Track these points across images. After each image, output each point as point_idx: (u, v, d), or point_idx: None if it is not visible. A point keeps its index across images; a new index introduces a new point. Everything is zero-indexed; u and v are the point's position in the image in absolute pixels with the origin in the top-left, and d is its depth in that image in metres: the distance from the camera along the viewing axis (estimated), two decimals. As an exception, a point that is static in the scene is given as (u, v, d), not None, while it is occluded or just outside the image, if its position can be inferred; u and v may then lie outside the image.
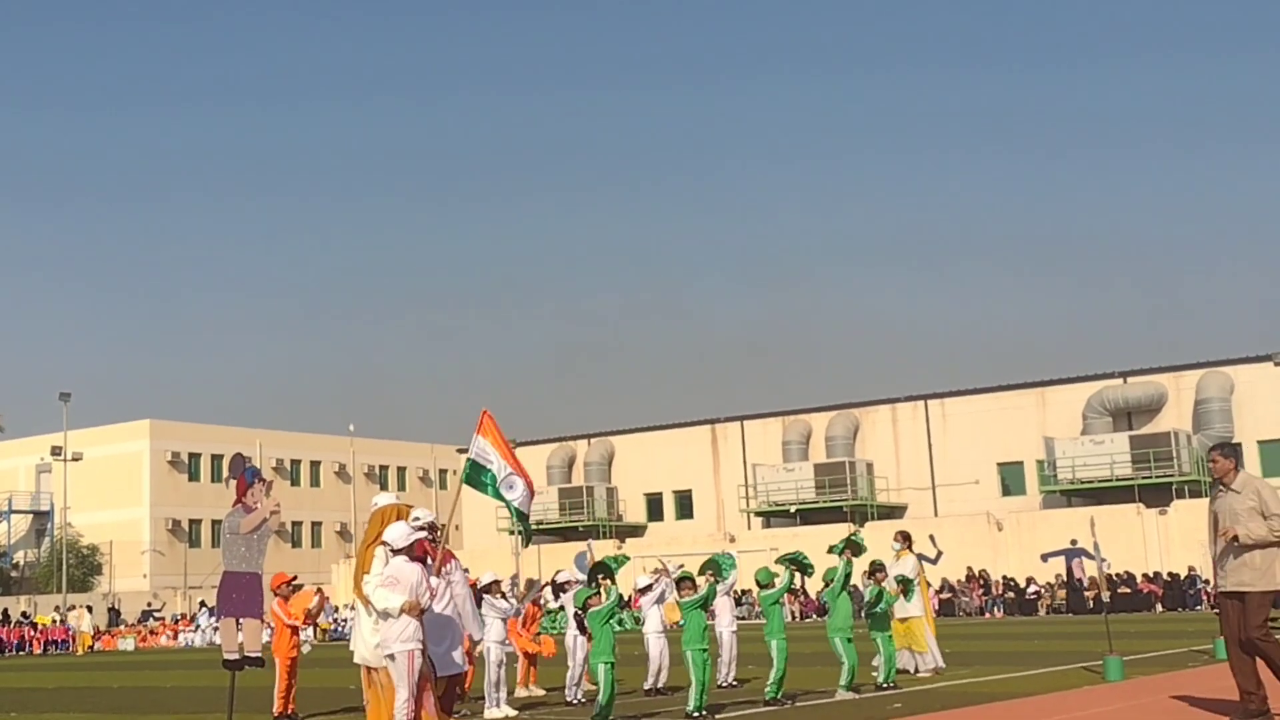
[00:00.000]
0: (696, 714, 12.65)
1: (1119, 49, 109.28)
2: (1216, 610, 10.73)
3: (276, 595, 14.93)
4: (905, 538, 17.94)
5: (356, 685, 14.46)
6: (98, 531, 66.15)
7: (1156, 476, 47.56)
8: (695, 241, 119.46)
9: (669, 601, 15.40)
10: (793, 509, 54.78)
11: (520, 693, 16.42)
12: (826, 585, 15.12)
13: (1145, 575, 42.04)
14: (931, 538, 22.13)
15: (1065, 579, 42.92)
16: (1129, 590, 40.56)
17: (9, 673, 30.25)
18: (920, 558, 18.12)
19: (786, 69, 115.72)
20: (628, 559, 13.80)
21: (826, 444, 57.08)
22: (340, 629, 45.38)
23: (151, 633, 50.89)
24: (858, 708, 13.28)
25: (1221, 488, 10.22)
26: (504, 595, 15.89)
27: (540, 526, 57.00)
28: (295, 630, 15.01)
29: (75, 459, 57.31)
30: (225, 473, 68.47)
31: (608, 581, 12.78)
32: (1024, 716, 12.01)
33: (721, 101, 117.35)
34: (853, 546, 15.26)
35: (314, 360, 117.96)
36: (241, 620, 11.82)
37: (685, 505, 61.65)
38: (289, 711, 14.47)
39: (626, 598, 13.86)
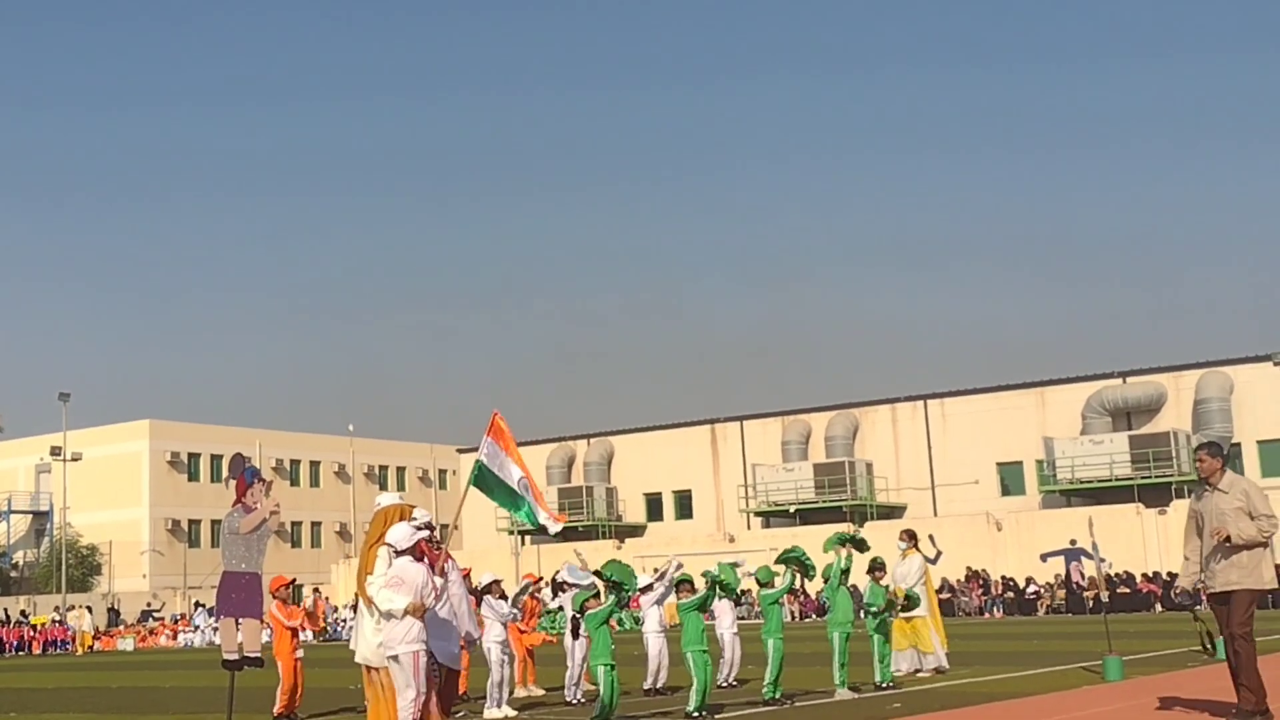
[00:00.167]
0: (697, 714, 12.65)
1: (1119, 49, 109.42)
2: (1189, 608, 10.73)
3: (276, 598, 14.91)
4: (911, 536, 17.91)
5: (356, 685, 14.47)
6: (97, 532, 66.15)
7: (1156, 476, 47.55)
8: (695, 241, 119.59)
9: (669, 602, 15.38)
10: (792, 509, 54.78)
11: (520, 693, 16.42)
12: (825, 581, 15.11)
13: (1144, 575, 42.04)
14: (931, 537, 22.13)
15: (1065, 579, 42.99)
16: (1128, 590, 40.56)
17: (8, 673, 30.24)
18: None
19: (786, 69, 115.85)
20: (635, 583, 13.51)
21: (826, 444, 57.09)
22: (339, 629, 45.39)
23: (151, 633, 50.89)
24: (857, 707, 13.28)
25: (1207, 487, 10.19)
26: (504, 596, 15.88)
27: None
28: (295, 633, 15.01)
29: (75, 459, 57.31)
30: (225, 473, 68.51)
31: (608, 589, 12.75)
32: (1023, 717, 12.01)
33: (721, 101, 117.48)
34: (853, 543, 15.26)
35: (314, 360, 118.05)
36: (241, 620, 11.82)
37: (685, 505, 61.64)
38: (290, 712, 14.46)
39: (626, 599, 13.80)
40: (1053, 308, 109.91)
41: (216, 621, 14.32)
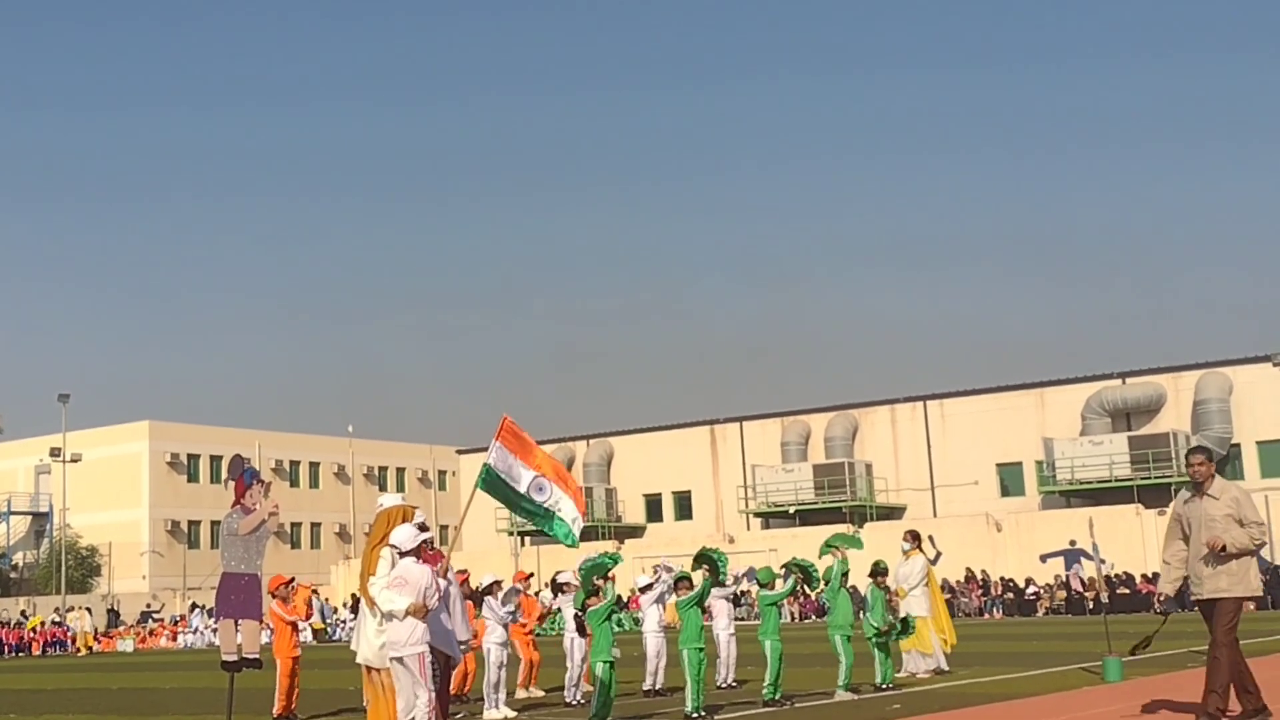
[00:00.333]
0: (695, 715, 12.65)
1: (1119, 49, 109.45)
2: (1167, 614, 10.63)
3: (275, 597, 14.91)
4: (914, 537, 17.89)
5: (356, 686, 14.46)
6: (97, 533, 66.13)
7: (1155, 477, 47.55)
8: (695, 242, 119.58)
9: (669, 602, 15.38)
10: (792, 510, 54.77)
11: (520, 694, 16.42)
12: (826, 584, 15.11)
13: (1144, 576, 42.00)
14: (930, 538, 22.13)
15: (1064, 580, 42.99)
16: (1128, 591, 40.55)
17: (8, 674, 30.22)
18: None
19: (786, 69, 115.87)
20: (620, 559, 13.69)
21: (825, 445, 57.09)
22: (338, 630, 45.40)
23: (150, 634, 50.86)
24: (857, 708, 13.28)
25: (1195, 492, 10.06)
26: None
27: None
28: (295, 628, 14.99)
29: (74, 460, 57.30)
30: (225, 474, 68.51)
31: (605, 583, 12.79)
32: (1023, 717, 12.01)
33: (721, 101, 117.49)
34: (848, 543, 15.27)
35: (313, 361, 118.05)
36: (240, 621, 11.82)
37: (684, 506, 61.64)
38: (290, 712, 14.44)
39: (625, 598, 13.82)
40: (1053, 308, 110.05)
41: (215, 623, 14.33)
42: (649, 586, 15.68)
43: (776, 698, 13.87)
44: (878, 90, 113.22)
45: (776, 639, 14.11)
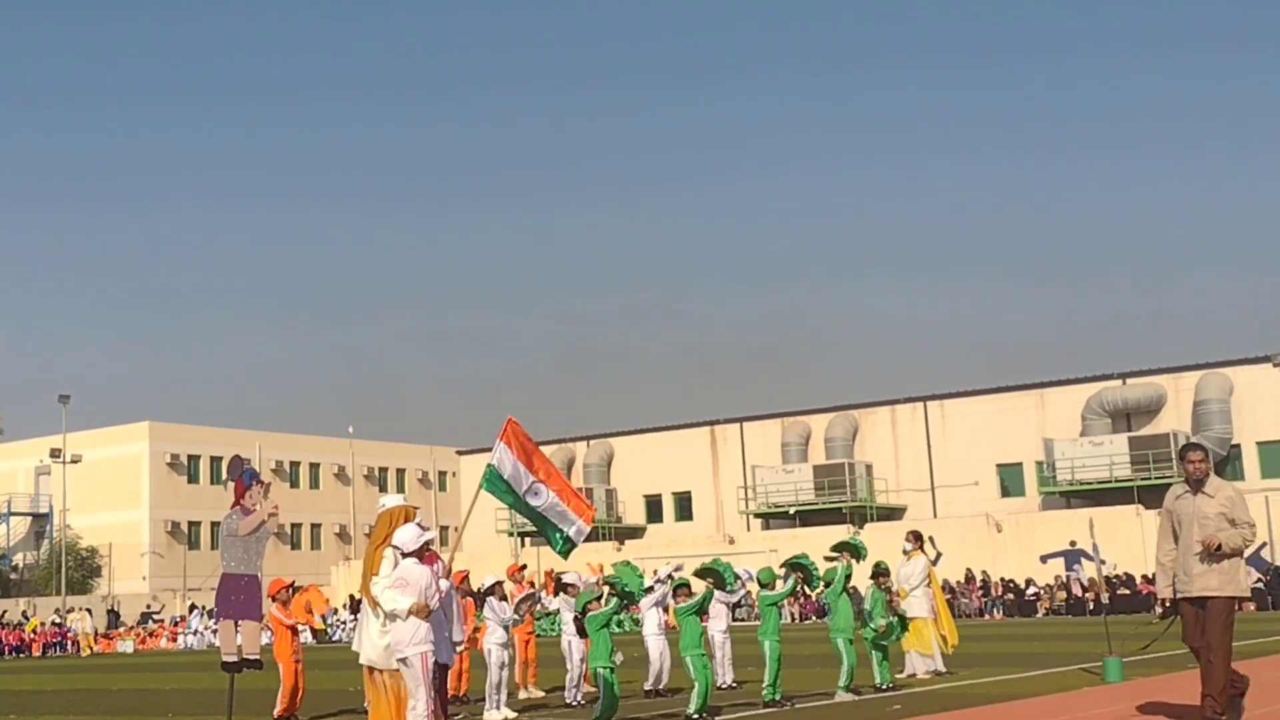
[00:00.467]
0: (697, 716, 12.65)
1: (1119, 49, 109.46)
2: (1165, 615, 10.42)
3: (275, 601, 14.90)
4: (916, 538, 17.87)
5: (356, 687, 14.48)
6: (97, 534, 66.14)
7: (1156, 478, 47.51)
8: (695, 242, 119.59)
9: (670, 606, 15.38)
10: (792, 510, 54.78)
11: (520, 694, 16.42)
12: (827, 586, 15.10)
13: (1144, 576, 41.96)
14: (931, 539, 22.12)
15: (1065, 581, 42.99)
16: (1128, 591, 40.55)
17: (8, 675, 30.23)
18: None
19: (786, 69, 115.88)
20: (645, 590, 13.62)
21: (826, 445, 57.10)
22: (337, 630, 45.38)
23: (151, 635, 50.87)
24: (857, 709, 13.28)
25: (1189, 489, 9.95)
26: (505, 598, 15.86)
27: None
28: (295, 631, 14.99)
29: (74, 461, 57.30)
30: (225, 475, 68.55)
31: (613, 594, 12.77)
32: (1023, 718, 12.01)
33: (721, 101, 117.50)
34: (850, 550, 15.23)
35: (313, 362, 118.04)
36: (240, 622, 11.82)
37: (684, 507, 61.65)
38: (290, 714, 14.44)
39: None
40: (1053, 308, 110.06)
41: (216, 623, 14.33)
42: (650, 589, 15.67)
43: (776, 698, 13.87)
44: (878, 90, 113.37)
45: (776, 640, 14.09)
